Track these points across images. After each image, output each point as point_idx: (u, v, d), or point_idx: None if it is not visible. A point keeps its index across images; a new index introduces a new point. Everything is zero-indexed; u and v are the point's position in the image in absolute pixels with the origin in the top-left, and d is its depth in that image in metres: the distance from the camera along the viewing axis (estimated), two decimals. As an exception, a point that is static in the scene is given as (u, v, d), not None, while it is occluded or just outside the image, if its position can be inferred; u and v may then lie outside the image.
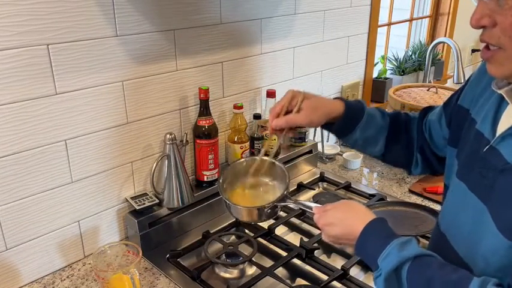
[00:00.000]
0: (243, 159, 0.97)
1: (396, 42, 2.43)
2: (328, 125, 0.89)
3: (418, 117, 0.93)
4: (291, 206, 0.87)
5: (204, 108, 1.22)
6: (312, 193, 1.47)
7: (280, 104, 0.86)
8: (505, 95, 0.65)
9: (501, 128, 0.66)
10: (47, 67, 0.94)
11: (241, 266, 1.11)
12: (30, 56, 0.91)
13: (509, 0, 0.57)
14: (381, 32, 1.98)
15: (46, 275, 1.06)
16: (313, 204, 0.84)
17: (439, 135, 0.88)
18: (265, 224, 1.27)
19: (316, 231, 1.26)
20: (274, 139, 1.42)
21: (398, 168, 1.47)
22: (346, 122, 0.88)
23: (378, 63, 2.03)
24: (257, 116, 1.40)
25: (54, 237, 1.06)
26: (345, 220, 0.75)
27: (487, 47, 0.62)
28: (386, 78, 2.03)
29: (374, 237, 0.70)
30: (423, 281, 0.64)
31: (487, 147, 0.67)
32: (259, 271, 1.08)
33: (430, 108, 0.93)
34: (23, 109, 0.93)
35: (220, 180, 0.92)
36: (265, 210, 0.84)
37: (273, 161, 0.93)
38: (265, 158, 0.93)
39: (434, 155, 0.90)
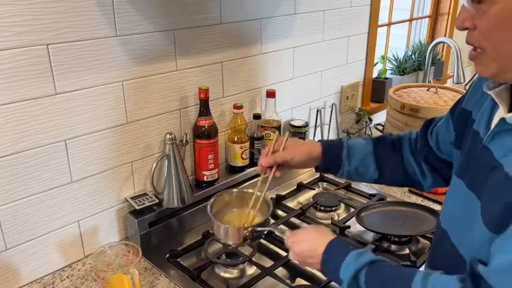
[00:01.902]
0: (235, 190, 1.10)
1: (396, 42, 2.43)
2: (320, 167, 0.97)
3: (422, 129, 0.95)
4: (269, 229, 0.97)
5: (204, 108, 1.22)
6: (311, 193, 1.47)
7: (268, 146, 0.96)
8: (494, 96, 0.67)
9: (492, 127, 0.68)
10: (47, 67, 0.94)
11: (241, 266, 1.11)
12: (30, 56, 0.91)
13: (483, 6, 0.59)
14: (381, 32, 1.98)
15: (46, 275, 1.06)
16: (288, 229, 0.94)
17: (445, 141, 0.88)
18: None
19: (316, 231, 1.25)
20: (272, 139, 1.43)
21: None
22: (328, 158, 0.96)
23: (377, 63, 2.03)
24: (257, 116, 1.40)
25: (54, 237, 1.06)
26: (310, 239, 0.83)
27: (474, 49, 0.65)
28: (386, 78, 2.03)
29: (336, 252, 0.78)
30: (378, 282, 0.71)
31: (480, 145, 0.69)
32: (259, 271, 1.08)
33: (433, 119, 0.95)
34: (23, 109, 0.93)
35: (209, 206, 1.02)
36: (244, 231, 0.94)
37: (260, 194, 1.01)
38: (252, 191, 1.02)
39: (443, 162, 0.90)
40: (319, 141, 0.99)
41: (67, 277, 1.07)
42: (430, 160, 0.92)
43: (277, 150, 0.94)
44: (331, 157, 0.96)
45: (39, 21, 0.91)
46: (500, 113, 0.66)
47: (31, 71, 0.92)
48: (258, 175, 1.13)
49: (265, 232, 0.97)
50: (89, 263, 1.11)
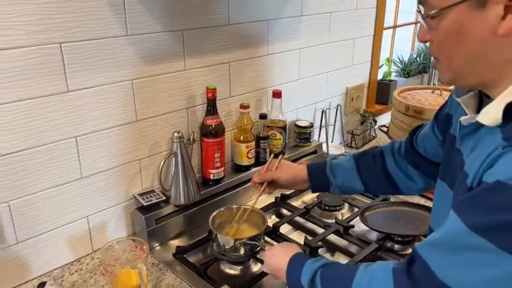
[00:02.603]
0: (235, 206, 1.20)
1: (401, 45, 2.44)
2: (311, 187, 1.08)
3: (409, 136, 1.01)
4: (255, 244, 1.07)
5: (211, 108, 1.24)
6: (316, 193, 1.49)
7: (263, 166, 1.11)
8: (461, 103, 0.72)
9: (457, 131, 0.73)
10: (60, 65, 0.97)
11: (246, 263, 1.13)
12: (43, 54, 0.93)
13: (434, 22, 0.65)
14: (386, 34, 1.99)
15: (55, 269, 1.09)
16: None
17: (434, 144, 0.92)
18: (270, 222, 1.28)
19: (320, 230, 1.27)
20: (280, 139, 1.46)
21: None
22: (314, 177, 1.06)
23: (382, 65, 2.05)
24: (263, 116, 1.42)
25: (63, 232, 1.08)
26: (279, 255, 0.90)
27: (434, 58, 0.71)
28: (391, 81, 2.05)
29: (296, 264, 0.84)
30: (330, 278, 0.77)
31: (454, 148, 0.74)
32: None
33: (420, 126, 1.00)
34: (36, 106, 0.95)
35: (211, 219, 1.13)
36: (238, 244, 1.06)
37: (258, 210, 1.17)
38: (250, 207, 1.15)
39: (434, 164, 0.93)
40: (307, 165, 1.09)
41: (76, 271, 1.09)
42: (420, 165, 0.97)
43: (271, 170, 1.09)
44: (317, 177, 1.07)
45: (51, 21, 0.93)
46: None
47: (44, 68, 0.94)
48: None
49: (256, 246, 1.07)
50: (97, 258, 1.13)
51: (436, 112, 0.92)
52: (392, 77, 2.13)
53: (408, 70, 2.16)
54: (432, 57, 0.71)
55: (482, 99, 0.70)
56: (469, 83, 0.69)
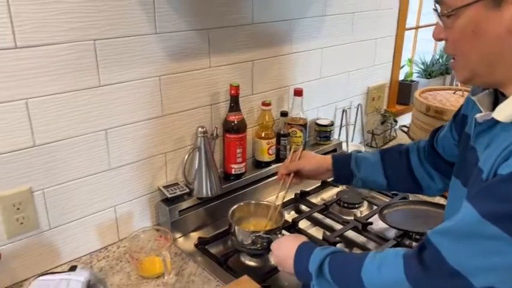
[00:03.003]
0: (253, 202, 1.25)
1: (423, 46, 2.43)
2: (335, 177, 1.10)
3: (429, 137, 1.03)
4: (272, 238, 1.07)
5: (234, 104, 1.28)
6: (335, 190, 1.51)
7: (287, 159, 1.13)
8: (476, 101, 0.74)
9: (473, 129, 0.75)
10: (93, 61, 1.02)
11: (265, 256, 1.16)
12: (78, 50, 0.99)
13: (449, 20, 0.67)
14: (408, 35, 1.99)
15: (84, 255, 1.14)
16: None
17: (451, 145, 0.94)
18: (289, 218, 1.31)
19: (338, 227, 1.30)
20: (300, 136, 1.49)
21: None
22: (339, 168, 1.08)
23: (404, 66, 2.05)
24: (284, 114, 1.45)
25: (92, 220, 1.14)
26: (286, 245, 0.92)
27: (452, 57, 0.72)
28: (413, 81, 2.05)
29: (304, 252, 0.86)
30: (340, 265, 0.79)
31: (469, 146, 0.76)
32: (283, 260, 1.13)
33: (440, 127, 1.01)
34: (71, 99, 1.01)
35: (230, 213, 1.18)
36: (253, 237, 1.10)
37: (279, 209, 1.18)
38: (271, 204, 1.20)
39: (452, 165, 0.95)
40: (332, 155, 1.11)
41: (103, 258, 1.14)
42: (439, 166, 0.99)
43: (294, 161, 1.11)
44: (341, 167, 1.08)
45: (87, 18, 0.98)
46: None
47: (79, 64, 1.00)
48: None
49: (271, 240, 1.06)
50: (124, 246, 1.18)
51: (455, 113, 0.94)
52: (414, 77, 2.13)
53: (430, 71, 2.16)
54: (451, 58, 0.73)
55: (498, 98, 0.72)
56: (485, 81, 0.71)
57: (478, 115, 0.73)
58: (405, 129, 1.86)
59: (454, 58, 0.72)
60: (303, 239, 0.92)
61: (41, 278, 0.93)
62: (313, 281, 0.80)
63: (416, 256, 0.67)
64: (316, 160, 1.11)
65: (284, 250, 0.91)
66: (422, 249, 0.68)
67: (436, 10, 0.70)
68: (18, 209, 0.99)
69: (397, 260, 0.69)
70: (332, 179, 1.11)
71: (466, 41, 0.67)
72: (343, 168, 1.08)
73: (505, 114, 0.66)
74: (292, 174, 1.11)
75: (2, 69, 0.90)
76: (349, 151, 1.70)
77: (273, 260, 0.97)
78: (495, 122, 0.69)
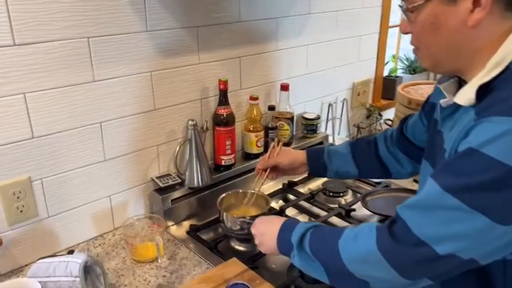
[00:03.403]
0: (241, 191, 1.31)
1: (407, 43, 2.51)
2: (309, 170, 1.18)
3: (399, 125, 1.11)
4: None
5: (223, 98, 1.35)
6: (321, 181, 1.58)
7: (266, 154, 1.21)
8: (441, 88, 0.81)
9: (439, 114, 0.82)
10: (87, 57, 1.08)
11: (252, 240, 1.22)
12: (74, 47, 1.05)
13: (413, 15, 0.74)
14: (393, 33, 2.07)
15: (81, 242, 1.20)
16: None
17: (421, 131, 1.02)
18: (277, 206, 1.38)
19: (323, 213, 1.36)
20: (287, 129, 1.55)
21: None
22: (312, 161, 1.16)
23: (388, 62, 2.12)
24: (271, 108, 1.51)
25: (88, 209, 1.19)
26: (271, 219, 0.98)
27: (416, 48, 0.80)
28: (397, 77, 2.12)
29: (288, 226, 0.90)
30: (319, 237, 0.83)
31: (437, 130, 0.83)
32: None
33: (409, 115, 1.10)
34: (67, 93, 1.07)
35: (219, 201, 1.24)
36: (239, 221, 1.17)
37: (263, 194, 1.27)
38: (257, 191, 1.25)
39: (422, 150, 1.02)
40: (306, 150, 1.19)
41: (99, 245, 1.20)
42: (409, 150, 1.07)
43: (273, 157, 1.18)
44: (314, 160, 1.16)
45: (81, 17, 1.04)
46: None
47: (74, 60, 1.06)
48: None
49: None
50: (119, 234, 1.24)
51: (424, 102, 1.01)
52: (399, 73, 2.21)
53: (414, 67, 2.24)
54: (413, 47, 0.80)
55: (461, 85, 0.79)
56: (447, 69, 0.78)
57: (442, 101, 0.80)
58: (389, 122, 1.94)
59: (416, 48, 0.79)
60: (283, 218, 0.97)
61: (41, 260, 0.98)
62: (294, 251, 0.85)
63: (387, 229, 0.74)
64: (292, 155, 1.18)
65: (268, 224, 0.95)
66: (392, 223, 0.74)
67: (401, 6, 0.77)
68: (18, 197, 1.05)
69: (370, 233, 0.75)
70: (307, 173, 1.19)
71: (428, 33, 0.74)
72: (317, 161, 1.16)
73: (464, 98, 0.73)
74: (268, 170, 1.18)
75: (2, 65, 0.96)
76: (335, 143, 1.77)
77: (254, 232, 0.98)
78: (457, 107, 0.76)
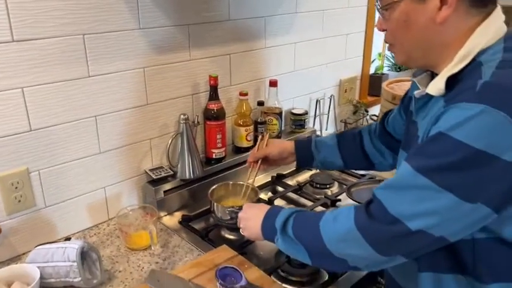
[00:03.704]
0: (231, 183, 1.36)
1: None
2: (297, 161, 1.22)
3: (381, 120, 1.17)
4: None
5: (214, 93, 1.40)
6: (309, 173, 1.64)
7: (255, 147, 1.26)
8: (416, 81, 0.88)
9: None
10: (82, 53, 1.13)
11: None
12: (69, 44, 1.09)
13: (387, 13, 0.80)
14: (379, 32, 2.13)
15: (76, 232, 1.24)
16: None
17: (400, 125, 1.08)
18: (265, 197, 1.44)
19: (310, 204, 1.42)
20: (276, 124, 1.61)
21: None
22: (300, 152, 1.21)
23: (374, 60, 2.19)
24: (260, 103, 1.57)
25: (84, 200, 1.24)
26: (258, 205, 1.02)
27: (390, 44, 0.86)
28: (383, 74, 2.19)
29: (273, 211, 0.95)
30: (302, 221, 0.88)
31: (412, 121, 0.89)
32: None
33: (390, 111, 1.16)
34: (63, 88, 1.11)
35: (210, 192, 1.30)
36: (228, 211, 1.22)
37: (253, 186, 1.31)
38: (246, 184, 1.29)
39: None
40: (294, 141, 1.24)
41: (94, 234, 1.25)
42: (390, 143, 1.13)
43: (262, 149, 1.23)
44: (302, 151, 1.21)
45: (77, 15, 1.09)
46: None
47: (70, 56, 1.10)
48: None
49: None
50: (113, 224, 1.29)
51: (402, 97, 1.08)
52: (385, 71, 2.27)
53: (399, 65, 2.30)
54: (388, 44, 0.86)
55: (433, 78, 0.85)
56: (419, 63, 0.84)
57: (416, 92, 0.86)
58: (375, 118, 2.00)
59: (391, 44, 0.85)
60: (268, 206, 1.02)
61: (39, 246, 1.03)
62: (278, 235, 0.90)
63: (364, 208, 0.79)
64: (280, 146, 1.24)
65: (254, 210, 1.00)
66: (369, 203, 0.80)
67: (377, 5, 0.83)
68: (16, 188, 1.09)
69: (349, 213, 0.81)
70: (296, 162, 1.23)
71: (401, 30, 0.80)
72: (304, 151, 1.21)
73: (435, 88, 0.79)
74: (259, 161, 1.23)
75: (1, 60, 1.00)
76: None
77: (240, 216, 1.03)
78: (430, 98, 0.82)
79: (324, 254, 0.83)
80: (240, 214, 1.03)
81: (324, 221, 0.84)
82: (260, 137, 1.28)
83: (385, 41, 0.86)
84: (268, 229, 0.94)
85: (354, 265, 0.82)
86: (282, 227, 0.90)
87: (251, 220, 0.99)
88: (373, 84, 2.15)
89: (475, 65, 0.75)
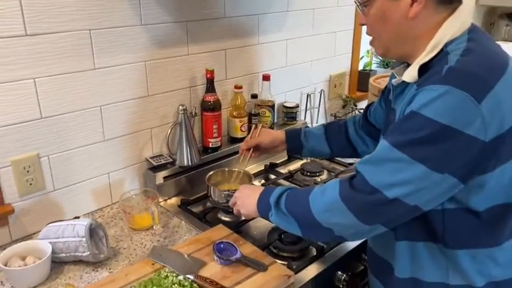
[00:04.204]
0: (227, 169, 1.45)
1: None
2: (287, 149, 1.33)
3: (364, 111, 1.28)
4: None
5: (210, 86, 1.49)
6: (301, 162, 1.73)
7: (248, 136, 1.36)
8: (394, 72, 0.97)
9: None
10: (89, 47, 1.22)
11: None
12: (77, 38, 1.18)
13: (366, 9, 0.90)
14: (367, 29, 2.23)
15: (83, 215, 1.33)
16: None
17: (381, 115, 1.18)
18: (259, 184, 1.53)
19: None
20: (268, 116, 1.70)
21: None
22: (291, 140, 1.31)
23: (363, 56, 2.29)
24: (254, 96, 1.66)
25: (89, 184, 1.33)
26: (252, 187, 1.12)
27: (372, 38, 0.96)
28: (371, 70, 2.29)
29: (269, 190, 1.04)
30: (293, 196, 0.97)
31: (391, 108, 0.98)
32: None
33: (372, 103, 1.26)
34: (71, 79, 1.20)
35: (207, 177, 1.39)
36: (224, 194, 1.31)
37: (247, 172, 1.41)
38: (240, 170, 1.39)
39: None
40: (285, 130, 1.34)
41: (99, 217, 1.34)
42: (372, 133, 1.23)
43: (254, 137, 1.32)
44: (292, 140, 1.31)
45: (84, 11, 1.18)
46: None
47: (77, 49, 1.19)
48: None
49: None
50: (117, 208, 1.38)
51: (383, 89, 1.18)
52: (373, 67, 2.38)
53: (387, 61, 2.41)
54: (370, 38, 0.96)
55: None
56: (396, 54, 0.94)
57: (393, 80, 0.96)
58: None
59: (372, 39, 0.95)
60: (261, 187, 1.11)
61: (50, 224, 1.12)
62: (272, 211, 0.99)
63: (348, 181, 0.88)
64: (272, 135, 1.34)
65: (251, 190, 1.09)
66: (352, 177, 0.89)
67: (356, 2, 0.93)
68: (28, 171, 1.18)
69: (335, 186, 0.90)
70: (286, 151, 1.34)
71: (378, 25, 0.91)
72: (294, 140, 1.31)
73: (409, 76, 0.89)
74: (251, 149, 1.32)
75: (15, 53, 1.09)
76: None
77: (237, 195, 1.11)
78: (406, 85, 0.92)
79: (312, 224, 0.92)
80: (236, 194, 1.12)
81: (312, 194, 0.93)
82: (254, 126, 1.38)
83: (367, 34, 0.96)
84: (263, 206, 1.03)
85: (339, 235, 0.91)
86: (275, 203, 0.98)
87: (248, 198, 1.08)
88: (362, 80, 2.25)
89: (443, 54, 0.85)
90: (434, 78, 0.80)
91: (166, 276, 1.01)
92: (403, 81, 0.91)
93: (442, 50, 0.86)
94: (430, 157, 0.79)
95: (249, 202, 1.07)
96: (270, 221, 1.03)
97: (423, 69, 0.86)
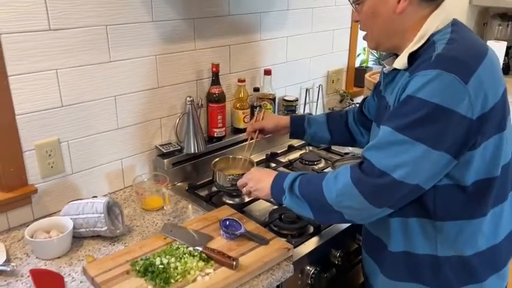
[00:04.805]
0: (231, 156, 1.56)
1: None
2: (290, 132, 1.43)
3: (359, 104, 1.38)
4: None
5: (215, 79, 1.60)
6: (299, 152, 1.84)
7: (253, 119, 1.47)
8: (384, 63, 1.08)
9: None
10: (105, 42, 1.32)
11: (241, 196, 1.48)
12: (95, 33, 1.29)
13: (359, 7, 1.00)
14: (363, 28, 2.34)
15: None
16: None
17: (374, 108, 1.28)
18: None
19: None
20: (269, 108, 1.81)
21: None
22: (294, 125, 1.41)
23: (360, 54, 2.40)
24: (256, 89, 1.77)
25: (104, 169, 1.43)
26: (265, 171, 1.22)
27: (366, 34, 1.06)
28: (367, 67, 2.40)
29: (283, 174, 1.11)
30: (306, 181, 1.03)
31: (382, 97, 1.08)
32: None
33: (366, 97, 1.36)
34: (89, 70, 1.31)
35: (213, 163, 1.50)
36: (229, 178, 1.40)
37: (250, 159, 1.49)
38: (244, 157, 1.49)
39: None
40: (290, 116, 1.45)
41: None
42: (366, 124, 1.32)
43: (259, 121, 1.43)
44: (296, 125, 1.41)
45: (101, 8, 1.29)
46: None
47: (95, 43, 1.30)
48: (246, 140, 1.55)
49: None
50: (129, 191, 1.48)
51: (375, 84, 1.28)
52: (370, 64, 2.48)
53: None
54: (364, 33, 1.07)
55: None
56: (386, 47, 1.05)
57: (384, 68, 1.07)
58: (360, 106, 2.21)
59: (366, 34, 1.05)
60: (274, 171, 1.19)
61: (71, 202, 1.22)
62: (286, 194, 1.06)
63: (358, 166, 0.96)
64: (276, 119, 1.45)
65: (264, 173, 1.17)
66: (361, 163, 0.97)
67: (350, 0, 1.04)
68: (49, 155, 1.29)
69: (346, 171, 0.98)
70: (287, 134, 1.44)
71: (370, 20, 1.01)
72: (298, 126, 1.42)
73: (399, 63, 0.99)
74: (257, 132, 1.43)
75: (40, 45, 1.20)
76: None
77: (250, 177, 1.17)
78: (396, 73, 1.03)
79: (324, 208, 0.99)
80: (248, 175, 1.19)
81: (326, 180, 1.00)
82: (257, 111, 1.48)
83: (360, 29, 1.07)
84: (277, 190, 1.10)
85: (350, 218, 0.99)
86: (289, 187, 1.05)
87: (260, 182, 1.15)
88: (359, 76, 2.35)
89: (430, 43, 0.95)
90: (425, 64, 0.90)
91: (178, 248, 1.12)
92: (394, 69, 1.02)
93: (428, 40, 0.96)
94: (428, 136, 0.87)
95: (262, 186, 1.14)
96: (281, 204, 1.11)
97: (412, 58, 0.97)
